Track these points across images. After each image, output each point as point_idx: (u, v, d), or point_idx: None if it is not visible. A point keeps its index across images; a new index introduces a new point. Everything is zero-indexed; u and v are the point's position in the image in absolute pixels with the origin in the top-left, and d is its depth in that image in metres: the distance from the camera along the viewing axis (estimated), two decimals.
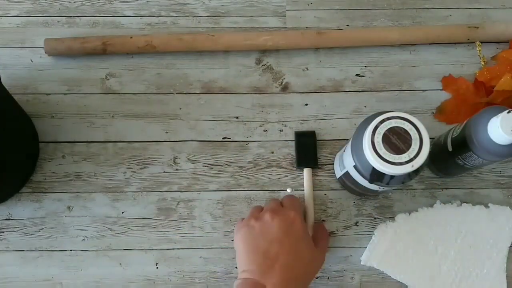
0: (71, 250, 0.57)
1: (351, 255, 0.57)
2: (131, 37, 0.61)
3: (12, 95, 0.55)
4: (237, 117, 0.61)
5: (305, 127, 0.61)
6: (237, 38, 0.61)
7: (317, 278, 0.57)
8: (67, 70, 0.62)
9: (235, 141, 0.60)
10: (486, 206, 0.57)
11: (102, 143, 0.60)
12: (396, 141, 0.43)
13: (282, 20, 0.64)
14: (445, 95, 0.62)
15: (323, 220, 0.58)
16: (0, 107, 0.52)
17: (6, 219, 0.58)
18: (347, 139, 0.58)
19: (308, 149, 0.59)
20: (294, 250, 0.49)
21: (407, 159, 0.43)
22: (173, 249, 0.57)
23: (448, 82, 0.62)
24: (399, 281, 0.56)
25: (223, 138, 0.61)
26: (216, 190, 0.59)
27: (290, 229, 0.49)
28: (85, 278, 0.57)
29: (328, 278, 0.57)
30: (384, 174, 0.44)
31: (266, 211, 0.51)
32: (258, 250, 0.49)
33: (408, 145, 0.43)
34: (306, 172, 0.58)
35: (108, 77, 0.62)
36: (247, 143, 0.60)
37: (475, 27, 0.61)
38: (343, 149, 0.54)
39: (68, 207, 0.58)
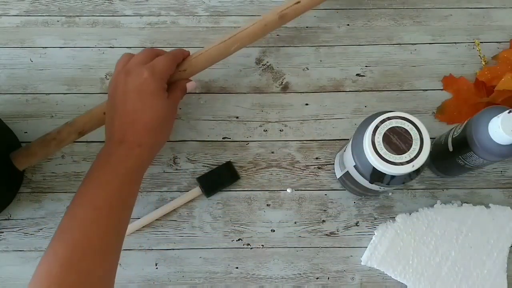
0: None
1: (351, 256, 0.57)
2: (104, 113, 0.54)
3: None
4: (237, 117, 0.61)
5: (305, 127, 0.60)
6: None
7: (317, 278, 0.57)
8: (67, 70, 0.62)
9: (235, 141, 0.60)
10: (487, 206, 0.57)
11: (102, 143, 0.59)
12: (397, 141, 0.43)
13: None
14: (445, 95, 0.62)
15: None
16: None
17: (6, 219, 0.58)
18: (347, 139, 0.58)
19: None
20: (149, 106, 0.50)
21: (408, 159, 0.43)
22: (173, 249, 0.57)
23: (448, 82, 0.62)
24: (399, 282, 0.56)
25: (223, 138, 0.60)
26: None
27: (141, 87, 0.50)
28: None
29: (328, 278, 0.57)
30: (384, 174, 0.44)
31: (120, 72, 0.51)
32: (117, 113, 0.50)
33: (408, 145, 0.43)
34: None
35: (108, 76, 0.62)
36: (247, 143, 0.60)
37: None
38: (343, 149, 0.54)
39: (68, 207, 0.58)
